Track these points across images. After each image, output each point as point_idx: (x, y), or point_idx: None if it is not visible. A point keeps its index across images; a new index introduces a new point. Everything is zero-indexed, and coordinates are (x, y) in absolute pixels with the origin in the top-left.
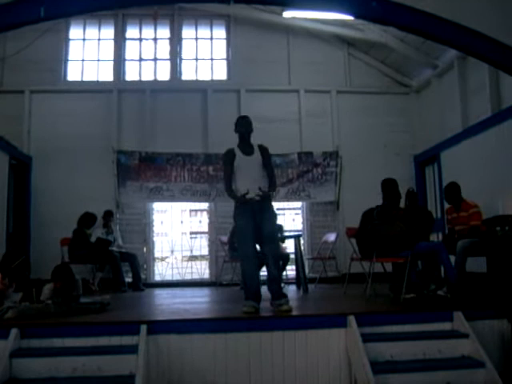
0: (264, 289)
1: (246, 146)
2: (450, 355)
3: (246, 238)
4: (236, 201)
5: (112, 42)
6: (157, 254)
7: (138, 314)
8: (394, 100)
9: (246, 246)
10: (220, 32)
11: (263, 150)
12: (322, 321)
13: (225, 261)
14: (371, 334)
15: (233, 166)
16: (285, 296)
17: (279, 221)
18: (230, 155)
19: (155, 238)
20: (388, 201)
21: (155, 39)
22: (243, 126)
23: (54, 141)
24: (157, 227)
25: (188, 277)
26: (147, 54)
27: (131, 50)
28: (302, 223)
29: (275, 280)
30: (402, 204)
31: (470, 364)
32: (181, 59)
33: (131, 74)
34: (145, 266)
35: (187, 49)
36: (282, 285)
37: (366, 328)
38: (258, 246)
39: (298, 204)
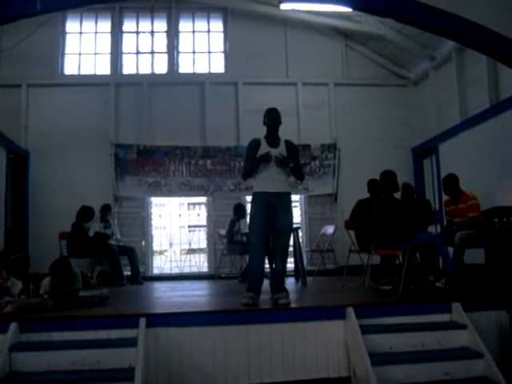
0: (265, 282)
1: (272, 139)
2: (449, 346)
3: (255, 229)
4: (260, 160)
5: (109, 36)
6: (155, 248)
7: (137, 307)
8: (391, 92)
9: (255, 237)
10: (217, 25)
11: (289, 145)
12: (321, 313)
13: (223, 254)
14: (370, 325)
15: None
16: (285, 290)
17: None
18: (254, 145)
19: (154, 232)
20: (386, 193)
21: (152, 32)
22: (272, 119)
23: (51, 135)
24: (155, 221)
25: (186, 270)
26: (144, 47)
27: (128, 43)
28: (301, 216)
29: (278, 274)
30: (398, 197)
31: (469, 355)
32: (178, 52)
33: (128, 67)
34: (143, 260)
35: (184, 42)
36: None
37: (364, 320)
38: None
39: (297, 197)
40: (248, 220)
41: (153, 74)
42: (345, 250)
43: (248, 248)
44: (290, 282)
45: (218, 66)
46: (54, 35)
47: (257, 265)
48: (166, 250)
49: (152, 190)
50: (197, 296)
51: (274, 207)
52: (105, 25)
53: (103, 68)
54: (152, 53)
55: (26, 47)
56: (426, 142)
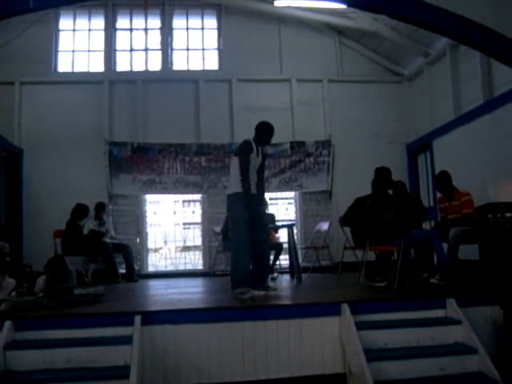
0: None
1: (259, 148)
2: (444, 342)
3: (244, 227)
4: (244, 194)
5: (102, 33)
6: (150, 245)
7: (132, 304)
8: (386, 88)
9: (244, 235)
10: (211, 22)
11: (263, 156)
12: (316, 309)
13: (218, 251)
14: (365, 321)
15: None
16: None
17: (272, 210)
18: (250, 148)
19: (148, 229)
20: (379, 189)
21: (146, 29)
22: (270, 135)
23: (45, 133)
24: (150, 218)
25: (181, 267)
26: (138, 44)
27: (122, 40)
28: (295, 212)
29: (268, 264)
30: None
31: (463, 350)
32: (172, 49)
33: (122, 64)
34: (138, 257)
35: (178, 39)
36: (275, 274)
37: (359, 316)
38: None
39: (291, 193)
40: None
41: (147, 72)
42: (339, 247)
43: None
44: (285, 279)
45: (211, 62)
46: (48, 32)
47: (248, 261)
48: (160, 248)
49: (146, 188)
50: (192, 293)
51: (255, 207)
52: (98, 22)
53: (97, 65)
54: (146, 50)
55: (19, 44)
56: (420, 138)
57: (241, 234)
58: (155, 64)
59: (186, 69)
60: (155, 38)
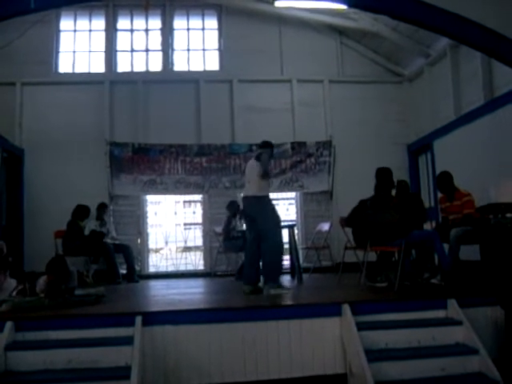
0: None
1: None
2: (445, 342)
3: (280, 227)
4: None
5: (103, 33)
6: (151, 246)
7: (133, 305)
8: (386, 89)
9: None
10: (212, 22)
11: None
12: (317, 310)
13: (219, 251)
14: (366, 322)
15: None
16: None
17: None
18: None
19: (149, 230)
20: (382, 190)
21: (147, 30)
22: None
23: (46, 133)
24: (151, 218)
25: (182, 268)
26: (139, 44)
27: (122, 41)
28: (296, 213)
29: None
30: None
31: (464, 351)
32: (173, 50)
33: (123, 65)
34: (139, 258)
35: (179, 39)
36: None
37: (360, 316)
38: None
39: (292, 194)
40: (270, 218)
41: (147, 72)
42: (340, 247)
43: (243, 246)
44: (286, 280)
45: (212, 63)
46: (49, 33)
47: None
48: (161, 248)
49: (147, 188)
50: (193, 294)
51: None
52: (99, 23)
53: (97, 66)
54: (146, 50)
55: (20, 45)
56: (420, 138)
57: (280, 233)
58: (156, 65)
59: (186, 69)
60: (156, 39)
